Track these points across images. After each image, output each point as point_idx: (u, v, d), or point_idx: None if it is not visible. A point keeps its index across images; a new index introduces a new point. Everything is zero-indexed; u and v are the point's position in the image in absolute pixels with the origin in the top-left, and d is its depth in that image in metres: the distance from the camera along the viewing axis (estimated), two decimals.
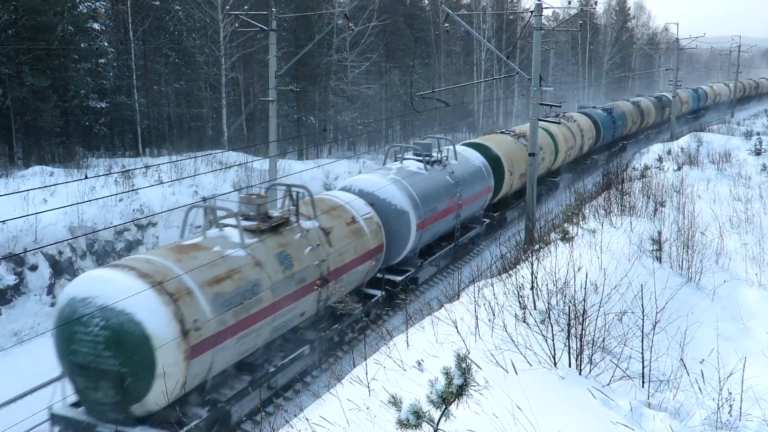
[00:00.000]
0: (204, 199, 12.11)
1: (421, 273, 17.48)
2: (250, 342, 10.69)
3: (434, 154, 18.46)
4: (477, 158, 20.64)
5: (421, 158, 17.81)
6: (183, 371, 9.12)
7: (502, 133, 25.34)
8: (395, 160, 18.29)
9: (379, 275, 15.39)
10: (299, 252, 11.81)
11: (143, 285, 8.88)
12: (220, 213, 11.54)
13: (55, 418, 10.04)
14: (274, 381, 12.34)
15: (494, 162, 21.32)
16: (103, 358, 9.01)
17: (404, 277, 16.08)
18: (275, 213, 12.46)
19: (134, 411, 9.21)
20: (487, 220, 21.56)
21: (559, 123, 25.31)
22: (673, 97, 42.94)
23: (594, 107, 36.43)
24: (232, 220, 11.25)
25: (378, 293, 15.09)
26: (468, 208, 19.26)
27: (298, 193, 12.82)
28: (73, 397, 10.15)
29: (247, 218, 11.46)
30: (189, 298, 9.27)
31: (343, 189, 15.88)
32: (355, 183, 16.11)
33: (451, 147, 19.73)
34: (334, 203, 14.12)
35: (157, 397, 8.99)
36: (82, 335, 9.11)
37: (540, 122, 19.66)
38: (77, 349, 9.23)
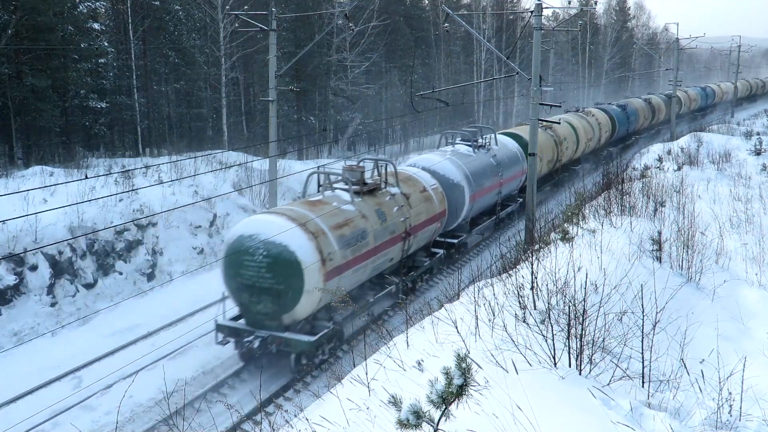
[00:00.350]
0: (319, 167, 16.45)
1: (469, 239, 20.69)
2: (360, 275, 14.03)
3: (478, 140, 21.47)
4: (513, 145, 23.51)
5: (469, 143, 20.95)
6: (318, 292, 12.27)
7: (523, 127, 27.51)
8: (446, 144, 21.45)
9: (439, 238, 18.60)
10: (390, 210, 15.12)
11: (294, 225, 12.21)
12: (333, 178, 14.94)
13: (219, 327, 13.19)
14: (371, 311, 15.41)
15: (527, 149, 22.46)
16: (265, 279, 12.24)
17: (459, 240, 19.46)
18: (369, 180, 15.60)
19: (284, 320, 12.52)
20: (521, 199, 23.71)
21: (558, 123, 25.42)
22: (672, 97, 42.96)
23: (609, 104, 39.35)
24: (341, 184, 14.73)
25: (441, 251, 18.44)
26: (507, 186, 22.45)
27: (386, 164, 16.26)
28: (233, 312, 13.32)
29: (350, 183, 14.59)
30: (324, 237, 12.55)
31: (410, 166, 18.76)
32: (419, 161, 19.28)
33: (492, 135, 22.42)
34: (410, 175, 17.33)
35: (303, 309, 12.36)
36: (248, 262, 12.27)
37: (563, 116, 22.51)
38: (244, 272, 12.39)
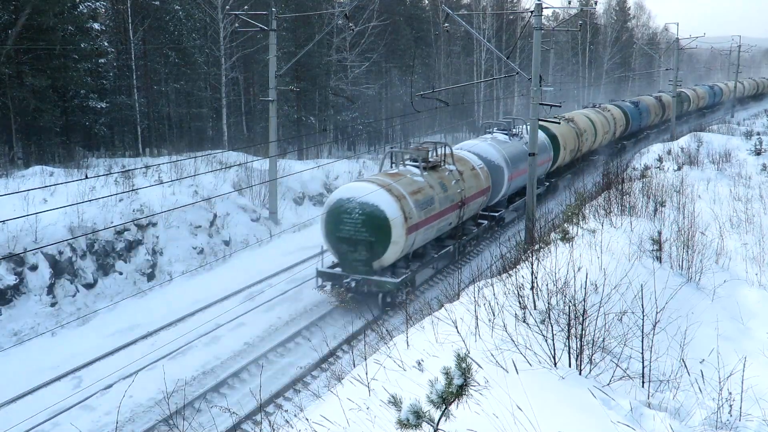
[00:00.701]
0: (392, 147, 18.85)
1: (506, 214, 23.83)
2: (429, 234, 17.33)
3: (513, 129, 24.88)
4: (542, 135, 25.34)
5: (506, 132, 24.45)
6: (403, 242, 15.56)
7: (554, 118, 30.59)
8: (485, 133, 24.69)
9: (482, 212, 21.88)
10: (449, 183, 18.34)
11: (382, 190, 15.50)
12: (403, 157, 18.57)
13: (319, 273, 16.45)
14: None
15: (553, 139, 26.76)
16: (360, 233, 15.57)
17: (499, 213, 22.89)
18: (431, 159, 18.70)
19: (374, 266, 15.80)
20: (548, 183, 27.42)
21: (559, 122, 25.59)
22: (672, 97, 42.97)
23: (623, 100, 42.69)
24: (410, 162, 18.17)
25: (485, 222, 21.78)
26: (543, 165, 25.46)
27: (444, 146, 19.59)
28: (329, 262, 16.93)
29: (415, 161, 18.03)
30: (405, 200, 15.81)
31: (458, 149, 21.60)
32: (466, 146, 22.61)
33: (524, 125, 24.95)
34: (462, 156, 20.60)
35: (389, 257, 15.71)
36: (347, 219, 15.66)
37: (582, 111, 26.25)
38: (343, 228, 15.76)
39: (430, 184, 17.38)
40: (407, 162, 18.29)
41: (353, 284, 15.77)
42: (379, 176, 16.84)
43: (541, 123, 26.06)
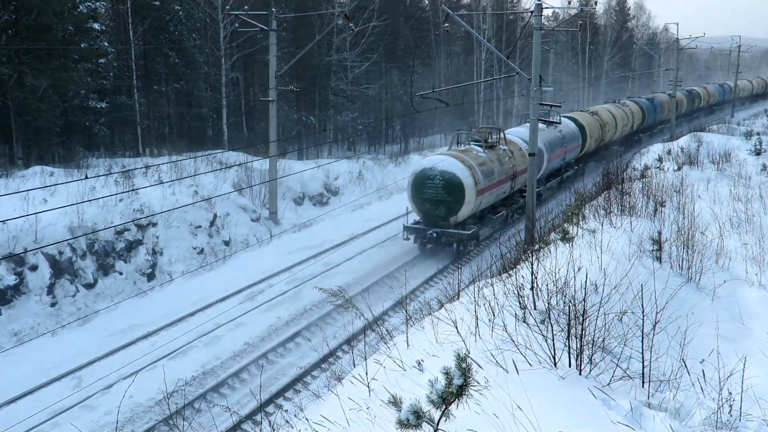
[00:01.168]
0: (458, 131, 24.55)
1: (544, 191, 27.18)
2: (490, 198, 21.64)
3: (549, 119, 27.75)
4: (572, 125, 30.29)
5: (543, 120, 26.67)
6: (473, 202, 19.67)
7: (582, 111, 35.35)
8: (525, 122, 28.25)
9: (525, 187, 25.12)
10: (504, 159, 22.68)
11: (457, 161, 19.86)
12: (471, 137, 23.29)
13: (406, 228, 20.48)
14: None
15: (581, 129, 31.16)
16: (440, 194, 19.72)
17: (539, 189, 25.34)
18: (490, 139, 23.03)
19: (451, 221, 20.03)
20: (576, 167, 31.80)
21: (559, 122, 25.83)
22: (672, 97, 43.00)
23: (640, 97, 46.74)
24: (473, 142, 22.56)
25: (516, 200, 25.24)
26: (569, 154, 29.75)
27: (498, 130, 24.08)
28: (413, 220, 21.15)
29: (479, 140, 22.58)
30: (474, 170, 19.90)
31: (507, 134, 25.36)
32: (511, 131, 26.55)
33: (559, 116, 28.11)
34: (511, 139, 24.79)
35: (463, 214, 19.92)
36: (429, 184, 19.81)
37: (604, 106, 32.44)
38: (426, 191, 19.92)
39: (491, 159, 21.91)
40: (471, 142, 22.73)
41: (434, 236, 20.21)
42: (452, 151, 21.28)
43: (570, 115, 32.39)
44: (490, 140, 23.01)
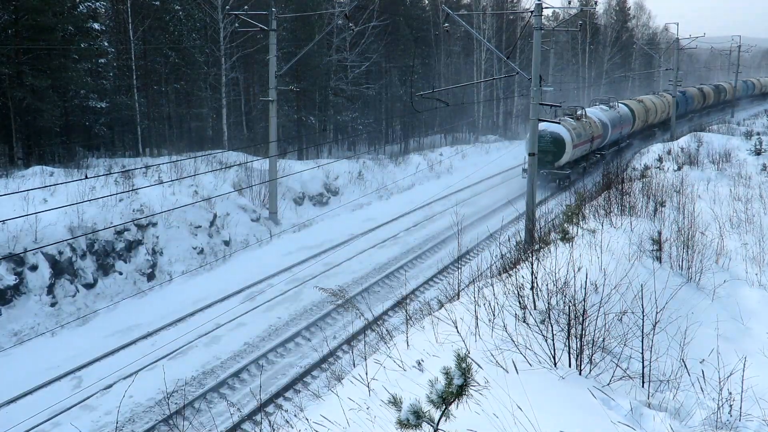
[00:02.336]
0: (552, 114, 31.07)
1: (608, 154, 37.14)
2: (578, 152, 31.37)
3: (610, 104, 39.47)
4: (626, 109, 40.79)
5: (606, 105, 38.88)
6: (570, 153, 30.03)
7: (631, 100, 45.44)
8: (590, 108, 37.06)
9: (597, 150, 36.19)
10: (586, 127, 32.00)
11: (561, 126, 29.28)
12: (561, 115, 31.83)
13: (524, 170, 25.95)
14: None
15: (632, 112, 41.51)
16: (549, 147, 29.65)
17: (604, 152, 36.97)
18: (576, 113, 32.71)
19: (555, 165, 30.24)
20: (628, 141, 42.56)
21: (559, 122, 26.00)
22: (673, 96, 42.99)
23: (672, 90, 55.00)
24: (567, 117, 31.67)
25: (598, 155, 35.98)
26: (624, 130, 40.28)
27: (582, 108, 32.99)
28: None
29: (570, 115, 32.14)
30: (572, 131, 30.05)
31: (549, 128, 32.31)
32: (589, 111, 35.18)
33: (616, 102, 40.00)
34: (589, 114, 34.05)
35: (563, 160, 30.22)
36: (542, 140, 27.05)
37: (648, 96, 45.28)
38: (539, 146, 21.55)
39: (579, 126, 31.81)
40: (565, 116, 31.74)
41: (544, 174, 30.07)
42: (555, 120, 28.73)
43: (625, 102, 42.45)
44: (576, 114, 32.85)
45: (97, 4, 29.15)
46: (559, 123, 28.74)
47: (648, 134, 46.86)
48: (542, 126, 28.41)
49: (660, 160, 24.31)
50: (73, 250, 17.25)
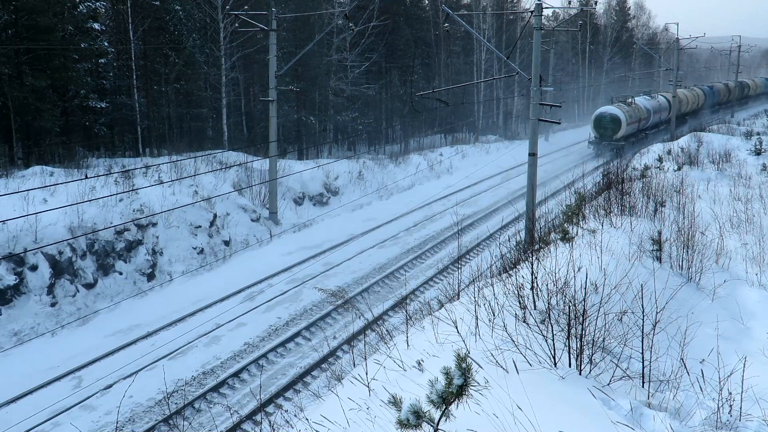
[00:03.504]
0: (613, 98, 45.70)
1: (651, 132, 47.62)
2: (629, 129, 42.85)
3: (651, 94, 49.41)
4: (664, 99, 50.38)
5: (649, 96, 48.15)
6: (625, 129, 42.04)
7: (668, 92, 52.74)
8: (638, 97, 46.45)
9: (642, 129, 46.21)
10: (635, 111, 43.96)
11: (617, 108, 42.44)
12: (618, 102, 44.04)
13: (590, 142, 43.64)
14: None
15: (668, 102, 49.87)
16: (609, 124, 41.98)
17: (647, 132, 46.36)
18: (627, 100, 44.50)
19: (613, 138, 42.15)
20: (665, 125, 50.23)
21: (559, 123, 25.63)
22: (673, 97, 43.02)
23: (704, 85, 64.74)
24: (621, 102, 44.23)
25: (644, 134, 46.18)
26: (662, 116, 49.50)
27: (632, 97, 45.45)
28: (591, 138, 44.03)
29: (623, 101, 44.38)
30: (625, 113, 42.16)
31: (609, 110, 42.90)
32: (636, 99, 44.85)
33: (657, 94, 50.19)
34: (637, 101, 44.92)
35: (620, 135, 42.07)
36: (604, 119, 42.14)
37: (682, 90, 51.87)
38: (602, 122, 42.20)
39: (631, 109, 42.42)
40: (619, 102, 42.59)
41: (604, 144, 41.13)
42: (613, 104, 41.87)
43: (663, 94, 52.24)
44: (627, 101, 43.54)
45: (97, 4, 29.14)
46: (615, 107, 42.15)
47: (681, 121, 55.40)
48: (603, 109, 43.00)
49: (660, 160, 24.32)
50: (73, 250, 17.25)
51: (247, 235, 23.02)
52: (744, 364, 6.00)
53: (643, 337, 6.47)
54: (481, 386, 4.81)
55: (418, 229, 25.56)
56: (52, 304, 16.12)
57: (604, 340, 6.54)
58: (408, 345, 7.09)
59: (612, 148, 40.79)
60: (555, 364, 6.14)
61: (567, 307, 6.56)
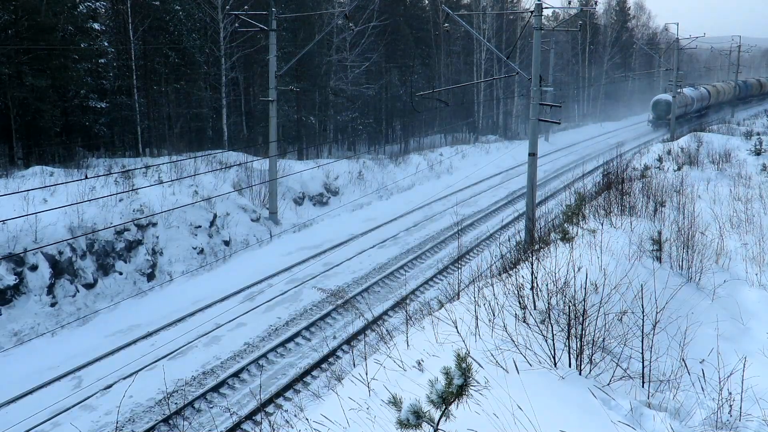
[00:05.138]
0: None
1: (694, 118, 57.78)
2: (677, 112, 48.42)
3: (695, 87, 60.57)
4: (705, 90, 61.58)
5: (693, 87, 60.16)
6: (675, 111, 49.59)
7: (708, 85, 64.88)
8: (685, 88, 54.03)
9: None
10: (683, 98, 53.79)
11: (669, 96, 48.21)
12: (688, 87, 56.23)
13: (650, 121, 58.32)
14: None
15: (708, 92, 61.67)
16: (663, 106, 55.01)
17: (689, 116, 57.23)
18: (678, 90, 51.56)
19: (666, 118, 53.28)
20: (705, 110, 61.09)
21: (559, 123, 25.64)
22: (673, 97, 43.00)
23: (738, 80, 72.51)
24: (668, 92, 54.16)
25: (687, 116, 57.37)
26: (703, 103, 61.16)
27: (681, 87, 49.76)
28: (648, 118, 58.61)
29: (694, 86, 60.65)
30: (675, 100, 44.61)
31: (663, 96, 56.31)
32: (684, 90, 53.55)
33: (699, 86, 61.51)
34: (684, 91, 54.20)
35: (670, 115, 46.57)
36: (660, 103, 55.95)
37: (719, 83, 70.90)
38: (658, 105, 56.22)
39: (679, 97, 46.13)
40: (670, 92, 46.83)
41: (660, 122, 54.58)
42: (665, 93, 53.24)
43: (704, 86, 63.71)
44: (677, 91, 47.30)
45: (97, 4, 29.14)
46: (668, 94, 51.44)
47: (717, 108, 66.97)
48: (659, 96, 56.23)
49: (660, 160, 24.32)
50: (73, 250, 17.26)
51: (247, 235, 23.02)
52: (744, 364, 6.00)
53: (643, 337, 6.47)
54: (481, 386, 4.82)
55: (418, 229, 25.56)
56: (52, 304, 16.12)
57: (604, 340, 6.54)
58: (408, 345, 7.09)
59: (665, 125, 53.76)
60: (555, 364, 6.14)
61: (567, 307, 6.56)
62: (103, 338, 15.37)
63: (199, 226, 21.36)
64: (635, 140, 53.10)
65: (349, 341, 15.00)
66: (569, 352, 6.28)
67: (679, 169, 21.83)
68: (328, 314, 16.72)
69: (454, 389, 4.09)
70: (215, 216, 22.26)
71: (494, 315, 7.33)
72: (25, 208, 16.76)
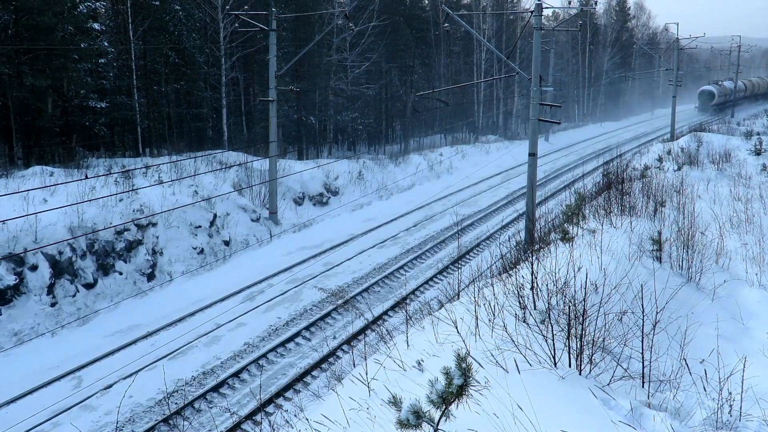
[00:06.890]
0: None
1: (729, 105, 71.42)
2: (719, 101, 70.75)
3: (727, 81, 74.53)
4: (741, 83, 74.09)
5: (729, 82, 73.66)
6: (716, 99, 69.92)
7: (743, 79, 76.06)
8: (725, 81, 73.42)
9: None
10: (723, 89, 72.70)
11: (713, 87, 71.55)
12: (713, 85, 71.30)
13: (697, 107, 72.95)
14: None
15: (745, 85, 75.79)
16: (708, 96, 70.37)
17: (721, 103, 70.54)
18: (718, 83, 73.32)
19: (710, 104, 70.04)
20: (741, 100, 74.53)
21: (559, 123, 25.63)
22: (673, 96, 43.01)
23: (765, 77, 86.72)
24: (714, 85, 73.02)
25: (726, 104, 72.13)
26: (741, 94, 74.98)
27: (721, 80, 74.96)
28: (694, 105, 73.96)
29: (716, 83, 73.20)
30: (717, 90, 70.51)
31: (717, 84, 72.33)
32: (723, 83, 73.22)
33: (738, 80, 72.63)
34: (723, 83, 73.04)
35: (714, 103, 70.10)
36: (704, 94, 71.10)
37: (754, 79, 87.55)
38: (704, 95, 71.27)
39: (720, 88, 69.34)
40: (713, 84, 69.91)
41: (704, 109, 68.58)
42: (710, 84, 70.57)
43: (742, 80, 76.22)
44: (718, 84, 66.16)
45: (97, 4, 29.13)
46: (712, 86, 66.06)
47: (753, 99, 78.22)
48: (704, 87, 69.15)
49: (660, 160, 24.32)
50: (73, 250, 17.25)
51: (247, 235, 23.02)
52: (744, 364, 6.00)
53: (643, 337, 6.47)
54: (481, 386, 4.82)
55: (418, 229, 25.56)
56: (52, 304, 16.12)
57: (604, 340, 6.54)
58: (408, 345, 7.09)
59: (709, 111, 66.72)
60: (555, 364, 6.14)
61: (567, 307, 6.56)
62: (103, 338, 15.37)
63: (199, 226, 21.36)
64: (635, 140, 52.76)
65: (349, 341, 15.00)
66: (569, 352, 6.29)
67: (679, 169, 21.83)
68: (328, 314, 16.72)
69: (454, 389, 4.09)
70: (215, 216, 22.26)
71: (494, 315, 7.33)
72: (25, 208, 16.76)
